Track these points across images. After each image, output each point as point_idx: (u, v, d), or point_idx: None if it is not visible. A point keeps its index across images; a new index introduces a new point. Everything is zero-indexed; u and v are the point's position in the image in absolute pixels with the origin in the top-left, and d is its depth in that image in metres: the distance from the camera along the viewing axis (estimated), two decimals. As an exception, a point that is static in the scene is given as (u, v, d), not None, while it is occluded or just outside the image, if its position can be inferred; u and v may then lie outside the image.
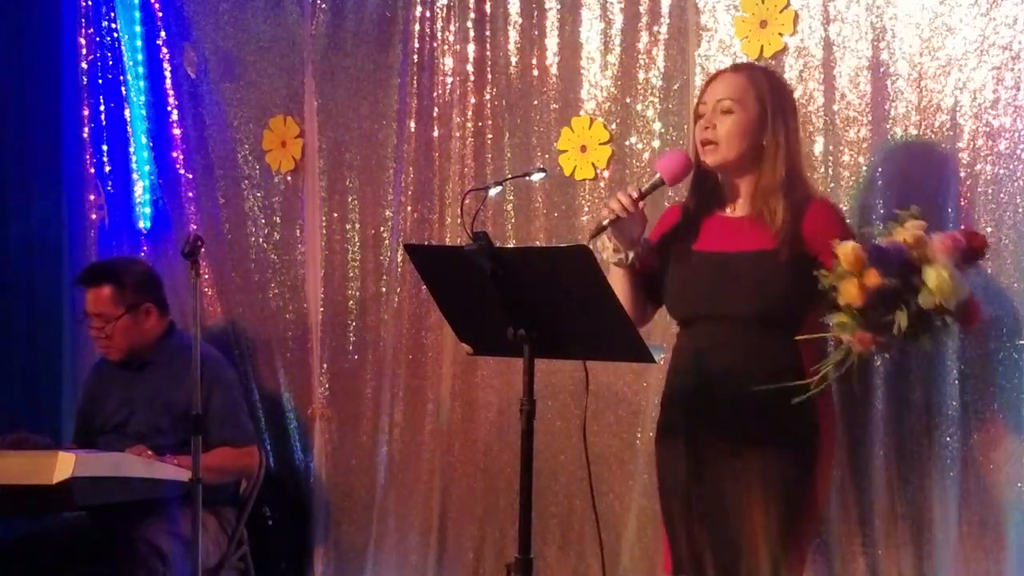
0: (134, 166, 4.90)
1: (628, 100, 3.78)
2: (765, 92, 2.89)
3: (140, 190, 4.90)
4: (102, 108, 4.94)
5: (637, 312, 3.00)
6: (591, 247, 2.74)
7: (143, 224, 4.89)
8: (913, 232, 2.52)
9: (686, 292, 2.96)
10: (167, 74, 4.77)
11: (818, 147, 3.39)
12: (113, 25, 4.91)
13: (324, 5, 4.40)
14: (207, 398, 3.86)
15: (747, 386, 2.74)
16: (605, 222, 2.86)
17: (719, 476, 2.84)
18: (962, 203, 3.16)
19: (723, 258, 2.89)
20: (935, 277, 2.47)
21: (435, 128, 4.17)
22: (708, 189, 2.99)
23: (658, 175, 2.90)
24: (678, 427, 2.95)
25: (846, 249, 2.52)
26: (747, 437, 2.80)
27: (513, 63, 4.00)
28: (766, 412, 2.77)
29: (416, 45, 4.20)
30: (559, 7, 3.90)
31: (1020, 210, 3.10)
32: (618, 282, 2.96)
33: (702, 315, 2.92)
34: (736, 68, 3.03)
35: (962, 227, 2.59)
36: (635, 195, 2.86)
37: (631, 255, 2.94)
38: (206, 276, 4.58)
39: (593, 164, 3.83)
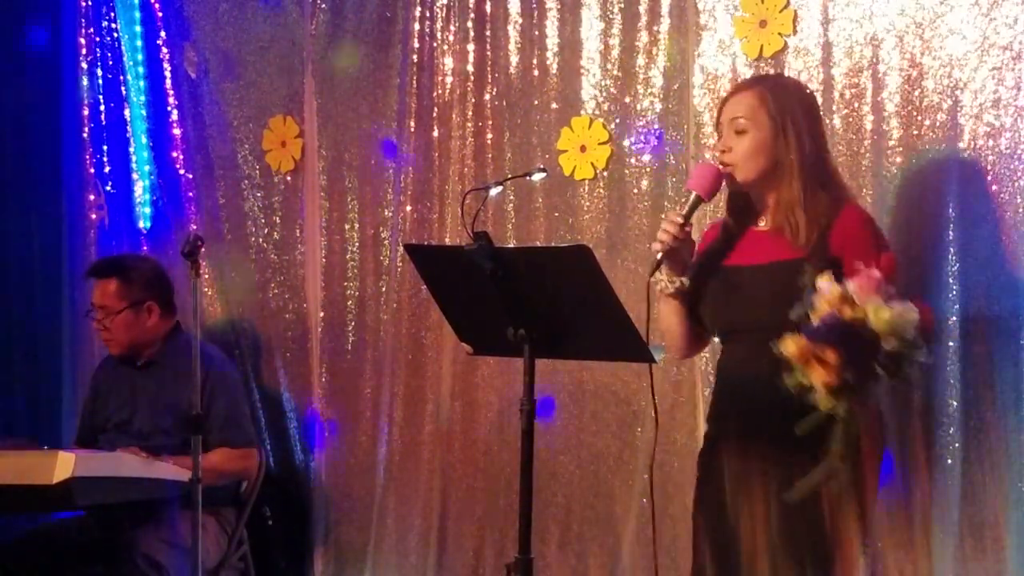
0: (134, 166, 4.90)
1: (628, 100, 3.78)
2: (776, 107, 2.84)
3: (140, 190, 4.90)
4: (102, 108, 4.93)
5: (695, 338, 2.99)
6: (651, 281, 2.79)
7: (143, 224, 4.89)
8: (832, 293, 2.49)
9: (718, 307, 2.91)
10: (167, 74, 4.77)
11: (817, 147, 3.39)
12: (113, 25, 4.91)
13: (324, 5, 4.40)
14: (210, 400, 3.87)
15: (778, 397, 2.59)
16: (659, 256, 2.81)
17: (763, 489, 2.77)
18: (962, 203, 3.16)
19: (751, 270, 2.84)
20: (881, 321, 2.46)
21: (435, 128, 4.17)
22: (742, 204, 2.95)
23: (694, 194, 2.85)
24: (726, 439, 2.88)
25: (790, 348, 2.48)
26: (786, 447, 2.67)
27: (513, 63, 4.00)
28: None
29: (416, 45, 4.20)
30: (559, 7, 3.90)
31: (1020, 210, 3.10)
32: (672, 314, 2.93)
33: (736, 328, 2.87)
34: (748, 84, 2.98)
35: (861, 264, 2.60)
36: (680, 220, 2.80)
37: (686, 281, 2.88)
38: (206, 276, 4.58)
39: (593, 164, 3.83)
